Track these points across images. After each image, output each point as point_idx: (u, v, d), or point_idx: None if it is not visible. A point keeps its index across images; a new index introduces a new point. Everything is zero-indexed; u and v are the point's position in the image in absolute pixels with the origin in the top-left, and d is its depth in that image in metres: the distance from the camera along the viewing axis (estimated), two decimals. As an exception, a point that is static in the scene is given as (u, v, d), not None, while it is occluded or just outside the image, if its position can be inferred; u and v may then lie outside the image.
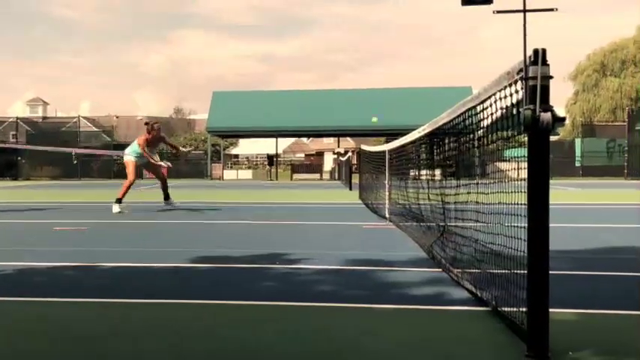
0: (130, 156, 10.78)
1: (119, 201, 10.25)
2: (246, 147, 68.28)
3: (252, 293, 3.85)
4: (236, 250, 5.68)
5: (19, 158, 34.80)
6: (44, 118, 62.17)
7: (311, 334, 2.94)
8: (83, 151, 29.45)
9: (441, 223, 5.07)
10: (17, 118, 39.62)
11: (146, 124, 11.09)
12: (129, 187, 10.56)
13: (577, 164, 32.76)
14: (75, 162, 31.89)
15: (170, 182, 11.85)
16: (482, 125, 3.59)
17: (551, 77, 2.51)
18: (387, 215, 8.29)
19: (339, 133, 38.63)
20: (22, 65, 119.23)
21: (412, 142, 6.75)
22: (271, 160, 38.20)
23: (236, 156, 70.61)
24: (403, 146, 7.53)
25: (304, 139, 72.45)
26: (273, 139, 38.23)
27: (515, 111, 2.75)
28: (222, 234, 7.33)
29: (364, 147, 13.35)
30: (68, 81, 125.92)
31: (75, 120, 40.70)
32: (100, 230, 7.80)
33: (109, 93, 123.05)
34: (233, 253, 5.44)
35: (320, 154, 65.85)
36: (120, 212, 9.95)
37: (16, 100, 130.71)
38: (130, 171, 10.66)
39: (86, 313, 3.42)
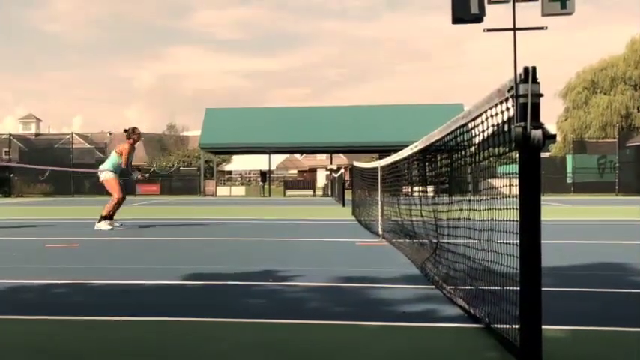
0: (108, 172, 10.17)
1: (105, 218, 9.91)
2: (239, 163, 68.30)
3: (243, 310, 3.83)
4: (228, 266, 5.66)
5: (12, 175, 34.64)
6: (37, 134, 62.03)
7: (298, 351, 2.92)
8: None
9: (434, 240, 5.07)
10: (10, 134, 39.52)
11: (125, 130, 10.41)
12: (118, 206, 10.13)
13: (568, 181, 32.91)
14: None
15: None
16: (473, 142, 3.61)
17: (542, 95, 2.53)
18: (380, 232, 8.29)
19: (331, 150, 38.74)
20: (11, 80, 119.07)
21: (405, 159, 6.77)
22: (264, 176, 38.23)
23: (229, 172, 70.59)
24: (396, 163, 7.54)
25: (297, 156, 72.55)
26: (266, 156, 38.28)
27: (506, 128, 2.77)
28: (214, 251, 7.30)
29: (357, 164, 13.38)
30: (58, 96, 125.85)
31: (68, 137, 40.63)
32: (92, 247, 7.76)
33: (100, 109, 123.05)
34: (225, 270, 5.42)
35: (313, 171, 65.93)
36: (111, 229, 9.78)
37: (6, 115, 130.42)
38: (116, 189, 10.08)
39: (73, 331, 3.39)
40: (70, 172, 32.45)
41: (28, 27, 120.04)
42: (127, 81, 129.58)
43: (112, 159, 10.28)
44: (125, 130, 10.45)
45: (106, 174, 10.21)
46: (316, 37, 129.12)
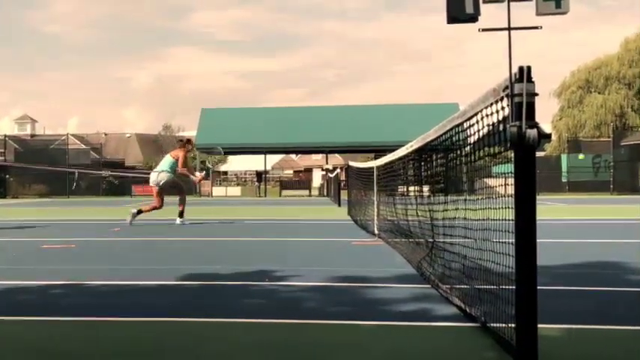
0: (166, 173, 11.17)
1: (140, 212, 11.00)
2: (234, 164, 68.20)
3: (239, 310, 3.84)
4: (224, 266, 5.67)
5: (7, 176, 34.52)
6: (32, 135, 61.81)
7: (297, 351, 2.94)
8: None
9: (430, 239, 5.09)
10: (5, 135, 39.45)
11: (180, 140, 11.86)
12: (152, 209, 11.28)
13: (563, 180, 32.97)
14: (75, 183, 31.75)
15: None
16: (469, 142, 3.63)
17: (537, 94, 2.55)
18: (376, 231, 8.30)
19: (327, 150, 38.72)
20: (8, 81, 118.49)
21: (400, 159, 6.79)
22: (260, 176, 38.18)
23: (225, 173, 70.47)
24: (391, 162, 7.56)
25: (293, 156, 72.50)
26: (262, 156, 38.24)
27: (501, 127, 2.79)
28: (211, 251, 7.31)
29: (352, 163, 13.39)
30: (56, 97, 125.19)
31: (63, 138, 40.51)
32: (89, 247, 7.75)
33: (97, 109, 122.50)
34: (221, 270, 5.42)
35: (309, 171, 65.89)
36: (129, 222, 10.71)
37: (2, 116, 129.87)
38: (159, 194, 11.22)
39: (72, 331, 3.39)
40: (66, 172, 32.37)
41: (28, 28, 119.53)
42: (126, 82, 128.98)
43: (168, 162, 11.33)
44: (180, 140, 11.97)
45: (164, 174, 11.25)
46: (316, 38, 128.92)
